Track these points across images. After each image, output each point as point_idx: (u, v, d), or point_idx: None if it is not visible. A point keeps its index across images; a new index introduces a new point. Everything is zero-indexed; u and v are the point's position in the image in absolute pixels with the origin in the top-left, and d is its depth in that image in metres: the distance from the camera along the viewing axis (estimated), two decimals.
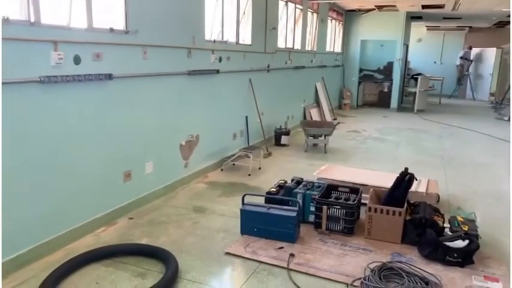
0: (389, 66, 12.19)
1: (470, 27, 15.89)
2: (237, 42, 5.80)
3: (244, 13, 5.98)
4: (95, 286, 2.69)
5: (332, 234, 3.52)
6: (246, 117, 6.16)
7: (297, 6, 8.17)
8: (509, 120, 10.24)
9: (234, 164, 5.53)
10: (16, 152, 2.75)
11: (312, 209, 3.66)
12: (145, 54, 3.86)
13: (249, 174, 5.22)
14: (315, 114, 9.32)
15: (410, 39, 14.43)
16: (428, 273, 2.86)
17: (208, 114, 5.12)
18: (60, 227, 3.18)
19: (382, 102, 12.33)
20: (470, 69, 15.45)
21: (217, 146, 5.42)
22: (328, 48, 10.82)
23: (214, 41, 5.11)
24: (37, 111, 2.87)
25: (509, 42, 15.22)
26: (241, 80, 5.99)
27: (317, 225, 3.59)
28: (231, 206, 4.06)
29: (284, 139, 7.03)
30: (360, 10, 11.57)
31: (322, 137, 6.73)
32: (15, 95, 2.69)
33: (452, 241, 3.10)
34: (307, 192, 3.77)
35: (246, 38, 6.09)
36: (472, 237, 3.15)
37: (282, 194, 3.85)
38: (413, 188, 3.91)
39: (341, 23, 11.83)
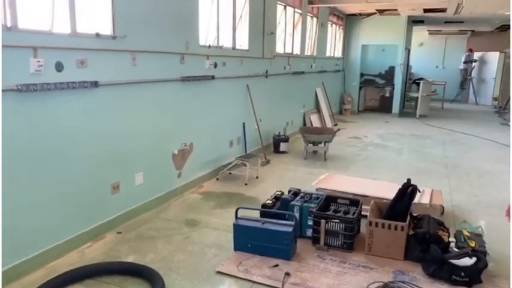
0: (390, 71, 12.01)
1: (473, 31, 15.71)
2: (234, 48, 5.63)
3: (241, 17, 5.82)
4: None
5: (331, 250, 3.33)
6: (244, 124, 5.99)
7: (296, 10, 8.01)
8: None
9: (230, 173, 5.35)
10: None
11: (310, 222, 3.47)
12: (134, 60, 3.69)
13: (246, 184, 5.04)
14: (315, 120, 9.14)
15: (412, 43, 14.26)
16: None
17: (203, 121, 4.95)
18: (42, 244, 2.99)
19: (383, 107, 12.14)
20: (473, 74, 15.26)
21: (212, 154, 5.24)
22: (328, 53, 10.65)
23: (209, 46, 4.94)
24: (14, 122, 2.69)
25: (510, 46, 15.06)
26: (238, 86, 5.82)
27: (315, 240, 3.40)
28: (225, 219, 3.86)
29: (283, 146, 6.85)
30: (360, 14, 11.41)
31: (322, 144, 6.55)
32: None
33: (458, 258, 2.90)
34: (305, 204, 3.58)
35: (243, 43, 5.92)
36: (480, 254, 2.95)
37: (278, 206, 3.66)
38: (416, 200, 3.72)
39: (341, 27, 11.67)
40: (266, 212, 3.51)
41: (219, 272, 2.96)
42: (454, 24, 13.30)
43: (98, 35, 3.28)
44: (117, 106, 3.59)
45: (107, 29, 3.43)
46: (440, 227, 3.38)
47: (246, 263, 3.09)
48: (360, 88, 12.30)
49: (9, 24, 2.60)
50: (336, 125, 9.84)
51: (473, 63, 15.06)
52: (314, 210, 3.43)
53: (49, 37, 2.89)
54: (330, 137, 6.59)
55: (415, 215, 3.57)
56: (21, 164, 2.78)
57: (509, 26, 13.42)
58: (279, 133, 7.00)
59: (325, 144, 6.52)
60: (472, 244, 3.09)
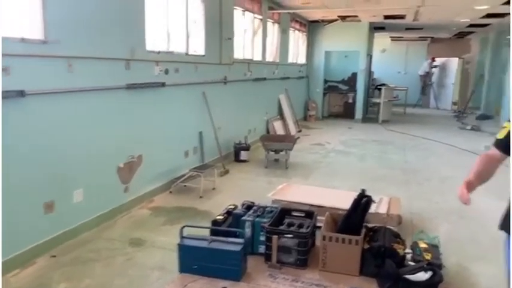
0: (353, 77, 12.08)
1: (432, 37, 16.16)
2: (187, 53, 5.38)
3: (195, 22, 5.59)
4: None
5: (284, 268, 3.11)
6: (200, 132, 5.74)
7: (256, 16, 7.86)
8: (471, 129, 10.27)
9: (185, 186, 5.07)
10: None
11: (262, 238, 3.26)
12: (70, 67, 3.39)
13: (201, 197, 4.78)
14: (278, 127, 9.00)
15: (375, 49, 14.47)
16: None
17: (153, 131, 4.66)
18: None
19: (347, 113, 12.19)
20: (434, 79, 15.66)
21: (165, 166, 4.95)
22: (291, 60, 10.57)
23: (159, 52, 4.68)
24: None
25: (470, 52, 15.59)
26: (194, 93, 5.57)
27: (267, 257, 3.18)
28: (173, 237, 3.55)
29: (243, 155, 6.64)
30: (323, 21, 11.44)
31: (283, 152, 6.39)
32: None
33: (413, 273, 2.77)
34: (257, 219, 3.36)
35: (198, 48, 5.69)
36: (435, 267, 2.83)
37: (230, 222, 3.43)
38: (373, 209, 3.60)
39: (305, 34, 11.65)
40: (215, 230, 3.27)
41: None
42: (415, 31, 13.60)
43: (23, 39, 2.96)
44: (50, 117, 3.27)
45: (36, 33, 3.11)
46: (396, 239, 3.26)
47: (191, 285, 2.84)
48: (324, 94, 12.31)
49: None
50: (300, 131, 9.75)
51: (433, 69, 15.47)
52: (266, 225, 3.22)
53: None
54: (290, 145, 6.44)
55: (370, 226, 3.43)
56: None
57: (466, 32, 13.88)
58: (240, 141, 6.79)
59: (286, 152, 6.36)
60: (428, 257, 2.98)
